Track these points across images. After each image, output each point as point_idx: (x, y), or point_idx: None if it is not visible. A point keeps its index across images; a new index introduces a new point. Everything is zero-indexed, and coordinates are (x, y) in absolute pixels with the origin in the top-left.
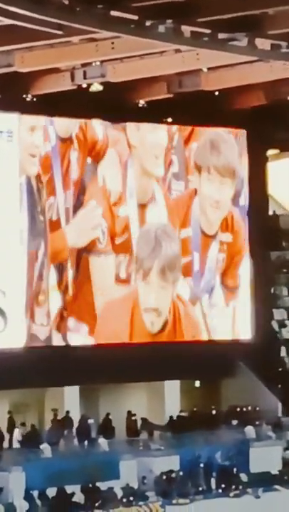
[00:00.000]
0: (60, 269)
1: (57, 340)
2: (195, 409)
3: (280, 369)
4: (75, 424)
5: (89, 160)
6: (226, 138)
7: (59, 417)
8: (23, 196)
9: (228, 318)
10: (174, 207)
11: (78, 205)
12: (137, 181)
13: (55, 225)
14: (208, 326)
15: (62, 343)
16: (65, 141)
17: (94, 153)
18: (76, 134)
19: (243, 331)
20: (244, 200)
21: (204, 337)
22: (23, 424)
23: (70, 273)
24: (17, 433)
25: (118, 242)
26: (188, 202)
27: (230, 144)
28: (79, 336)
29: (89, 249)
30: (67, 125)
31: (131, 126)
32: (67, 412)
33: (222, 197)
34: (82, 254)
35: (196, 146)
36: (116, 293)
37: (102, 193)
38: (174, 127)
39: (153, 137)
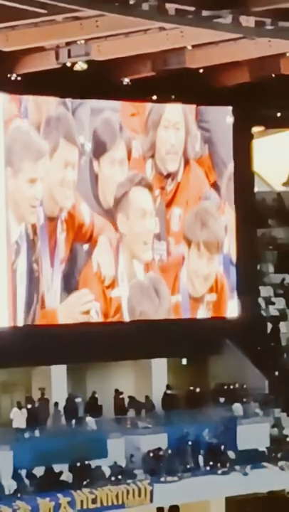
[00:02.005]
0: None
1: None
2: (182, 386)
3: (267, 345)
4: (62, 403)
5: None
6: (214, 212)
7: (46, 396)
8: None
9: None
10: (163, 273)
11: (71, 287)
12: (127, 265)
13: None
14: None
15: None
16: (52, 221)
17: (81, 236)
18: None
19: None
20: (227, 247)
21: None
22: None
23: None
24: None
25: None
26: (177, 270)
27: (217, 218)
28: None
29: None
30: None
31: (121, 216)
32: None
33: (211, 271)
34: None
35: (183, 217)
36: None
37: (96, 278)
38: (156, 191)
39: (141, 225)
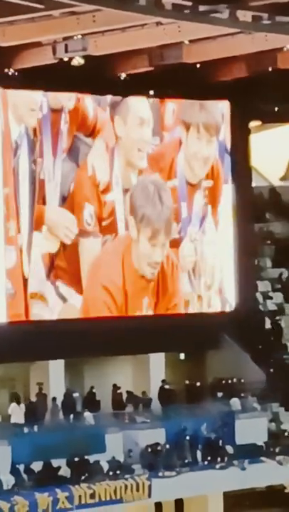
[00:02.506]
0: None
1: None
2: (180, 381)
3: (265, 340)
4: (60, 398)
5: (80, 135)
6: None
7: (44, 391)
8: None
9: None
10: (159, 157)
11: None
12: (122, 171)
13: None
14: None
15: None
16: (57, 112)
17: (84, 128)
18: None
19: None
20: (223, 134)
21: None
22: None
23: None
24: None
25: (105, 224)
26: (173, 154)
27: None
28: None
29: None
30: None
31: (118, 119)
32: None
33: (210, 153)
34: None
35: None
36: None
37: (91, 182)
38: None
39: (138, 132)
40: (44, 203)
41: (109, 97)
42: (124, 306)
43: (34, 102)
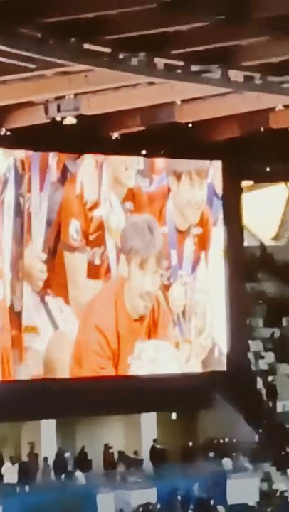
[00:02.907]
0: None
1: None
2: (172, 441)
3: (257, 399)
4: (51, 458)
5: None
6: None
7: (35, 450)
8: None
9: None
10: (148, 204)
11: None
12: (110, 188)
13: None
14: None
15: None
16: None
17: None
18: None
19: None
20: (211, 178)
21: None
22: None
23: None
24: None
25: (92, 239)
26: (162, 201)
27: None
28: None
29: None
30: None
31: None
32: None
33: (201, 198)
34: (58, 250)
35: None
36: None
37: (78, 201)
38: None
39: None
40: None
41: None
42: (117, 349)
43: None
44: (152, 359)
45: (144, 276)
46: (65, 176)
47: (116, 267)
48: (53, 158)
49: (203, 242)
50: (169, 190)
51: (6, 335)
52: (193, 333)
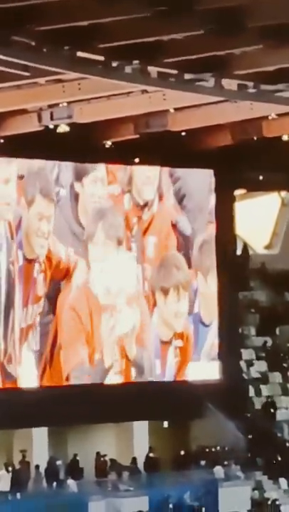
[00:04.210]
0: None
1: None
2: (164, 449)
3: (249, 408)
4: (43, 466)
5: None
6: (179, 258)
7: (27, 458)
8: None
9: None
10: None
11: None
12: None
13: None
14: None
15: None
16: (31, 262)
17: (58, 272)
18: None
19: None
20: (197, 308)
21: None
22: None
23: None
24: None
25: None
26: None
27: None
28: None
29: None
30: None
31: (92, 250)
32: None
33: (183, 310)
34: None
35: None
36: None
37: None
38: (134, 219)
39: (114, 259)
40: None
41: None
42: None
43: (9, 197)
44: None
45: None
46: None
47: None
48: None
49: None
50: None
51: None
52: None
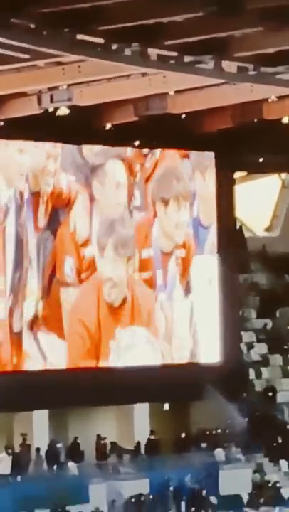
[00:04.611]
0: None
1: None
2: (164, 432)
3: (249, 390)
4: (44, 449)
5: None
6: (180, 169)
7: (28, 441)
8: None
9: (187, 310)
10: (136, 232)
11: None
12: (100, 228)
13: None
14: (166, 315)
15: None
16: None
17: (61, 202)
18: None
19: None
20: (196, 211)
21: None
22: None
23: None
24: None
25: (83, 277)
26: (148, 228)
27: (185, 169)
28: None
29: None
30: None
31: (96, 184)
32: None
33: (184, 220)
34: (53, 285)
35: (157, 181)
36: None
37: (71, 238)
38: (137, 166)
39: (115, 193)
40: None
41: (88, 165)
42: (98, 334)
43: (23, 167)
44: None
45: (105, 263)
46: (58, 218)
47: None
48: (42, 204)
49: (186, 264)
50: (155, 215)
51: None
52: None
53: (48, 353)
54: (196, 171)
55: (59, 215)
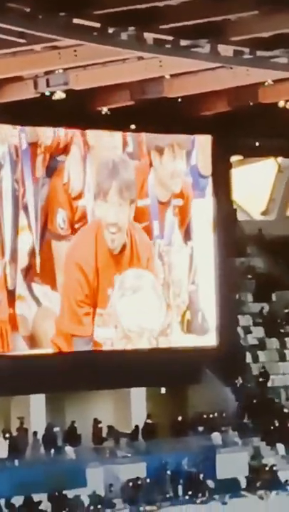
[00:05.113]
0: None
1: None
2: (161, 415)
3: (246, 374)
4: (41, 433)
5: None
6: None
7: (25, 425)
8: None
9: (186, 255)
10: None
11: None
12: (94, 178)
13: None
14: (164, 260)
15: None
16: (33, 145)
17: (57, 151)
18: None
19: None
20: (194, 160)
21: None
22: None
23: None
24: None
25: (77, 227)
26: (144, 176)
27: None
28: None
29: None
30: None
31: (90, 131)
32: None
33: (183, 168)
34: (46, 237)
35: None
36: None
37: (63, 189)
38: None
39: (110, 139)
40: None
41: None
42: (96, 282)
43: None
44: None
45: (108, 208)
46: (53, 167)
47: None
48: (40, 154)
49: (183, 212)
50: (151, 164)
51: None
52: (172, 298)
53: (42, 299)
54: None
55: (56, 164)
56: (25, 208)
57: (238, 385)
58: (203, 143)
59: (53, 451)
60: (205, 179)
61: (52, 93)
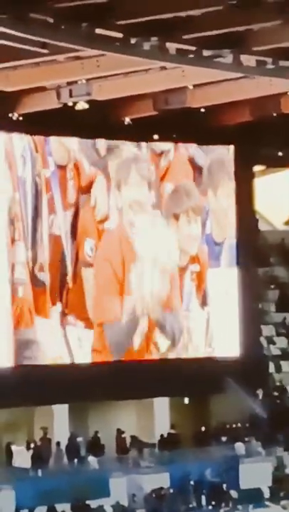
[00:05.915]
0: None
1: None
2: (184, 425)
3: (269, 384)
4: (64, 443)
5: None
6: (190, 185)
7: (48, 435)
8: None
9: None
10: None
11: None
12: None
13: (56, 240)
14: None
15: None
16: (62, 169)
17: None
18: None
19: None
20: (210, 229)
21: None
22: (11, 443)
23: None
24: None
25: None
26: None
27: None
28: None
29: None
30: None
31: (112, 165)
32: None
33: (195, 232)
34: (77, 266)
35: (170, 195)
36: None
37: (90, 213)
38: (152, 167)
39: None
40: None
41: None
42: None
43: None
44: None
45: None
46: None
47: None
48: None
49: (200, 277)
50: None
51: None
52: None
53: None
54: (208, 189)
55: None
56: None
57: (261, 395)
58: (217, 212)
59: (76, 461)
60: (219, 246)
61: (75, 103)
